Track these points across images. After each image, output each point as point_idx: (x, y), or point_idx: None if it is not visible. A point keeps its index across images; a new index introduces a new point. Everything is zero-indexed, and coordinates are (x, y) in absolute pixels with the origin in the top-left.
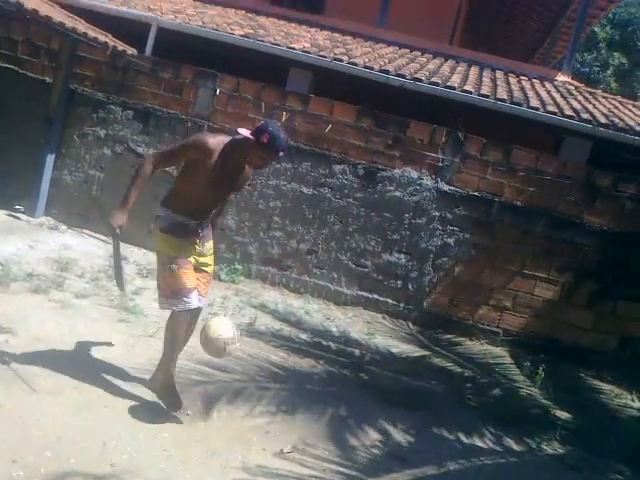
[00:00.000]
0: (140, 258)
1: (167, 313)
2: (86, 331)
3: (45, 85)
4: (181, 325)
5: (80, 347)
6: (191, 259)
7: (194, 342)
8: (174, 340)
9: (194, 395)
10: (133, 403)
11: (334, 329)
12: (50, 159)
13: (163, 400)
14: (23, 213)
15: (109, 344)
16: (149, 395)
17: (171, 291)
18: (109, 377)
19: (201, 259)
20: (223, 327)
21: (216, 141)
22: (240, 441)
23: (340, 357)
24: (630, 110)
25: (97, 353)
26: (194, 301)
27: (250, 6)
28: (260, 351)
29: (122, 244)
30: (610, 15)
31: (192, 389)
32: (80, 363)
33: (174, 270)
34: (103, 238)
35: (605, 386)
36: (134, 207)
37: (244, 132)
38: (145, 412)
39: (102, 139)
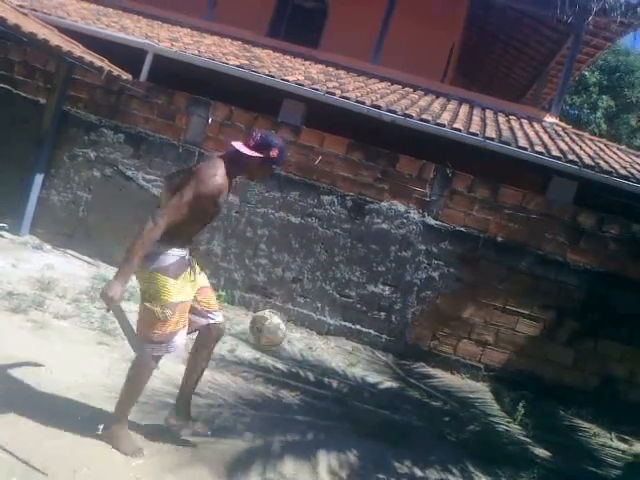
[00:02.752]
0: None
1: None
2: (64, 353)
3: (38, 106)
4: (151, 367)
5: (56, 369)
6: (187, 298)
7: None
8: (142, 382)
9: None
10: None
11: (314, 359)
12: (39, 178)
13: (119, 446)
14: (7, 231)
15: (86, 366)
16: None
17: (158, 336)
18: (84, 401)
19: (197, 282)
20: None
21: (222, 174)
22: (214, 471)
23: (319, 388)
24: (615, 153)
25: (73, 376)
26: (178, 343)
27: (246, 37)
28: (238, 380)
29: (107, 266)
30: (599, 61)
31: (165, 413)
32: (55, 386)
33: (167, 317)
34: (87, 259)
35: (585, 425)
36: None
37: (243, 149)
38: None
39: (92, 161)
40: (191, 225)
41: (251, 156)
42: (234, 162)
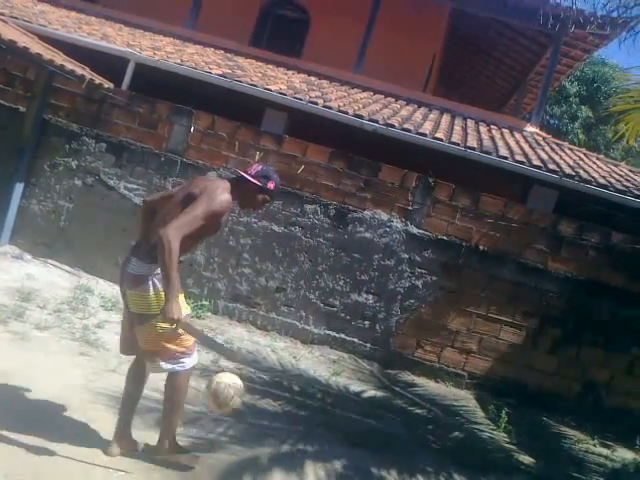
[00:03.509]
0: (105, 290)
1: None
2: (45, 364)
3: (18, 114)
4: (185, 385)
5: (37, 381)
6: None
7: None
8: (180, 404)
9: (149, 423)
10: (89, 440)
11: (299, 368)
12: (19, 188)
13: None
14: None
15: (67, 378)
16: (105, 432)
17: (179, 352)
18: (66, 413)
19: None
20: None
21: (229, 192)
22: (191, 477)
23: (303, 397)
24: (594, 162)
25: (55, 388)
26: (196, 354)
27: (229, 46)
28: None
29: (88, 275)
30: (578, 72)
31: (147, 416)
32: (36, 398)
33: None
34: (68, 269)
35: (568, 431)
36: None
37: (244, 174)
38: (101, 450)
39: (73, 170)
40: (187, 243)
41: (250, 181)
42: (236, 187)
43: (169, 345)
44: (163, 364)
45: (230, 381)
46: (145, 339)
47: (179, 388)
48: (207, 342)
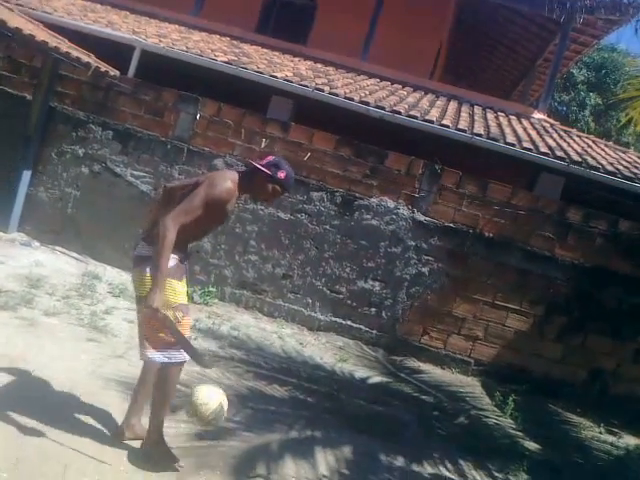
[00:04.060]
0: (113, 277)
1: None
2: (53, 350)
3: (24, 102)
4: (175, 378)
5: (46, 367)
6: (187, 301)
7: None
8: (167, 396)
9: None
10: (98, 426)
11: (304, 355)
12: (26, 175)
13: (157, 460)
14: None
15: (75, 363)
16: (114, 417)
17: (167, 342)
18: (75, 399)
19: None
20: (210, 396)
21: (234, 181)
22: (206, 466)
23: (310, 383)
24: (602, 149)
25: (63, 373)
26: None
27: (235, 33)
28: (230, 375)
29: (96, 262)
30: (586, 58)
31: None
32: (44, 383)
33: (180, 319)
34: (76, 256)
35: (574, 418)
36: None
37: (256, 164)
38: (110, 435)
39: (80, 158)
40: (192, 230)
41: (260, 170)
42: (246, 178)
43: (159, 333)
44: (150, 352)
45: (205, 399)
46: (138, 322)
47: (169, 380)
48: (184, 345)
